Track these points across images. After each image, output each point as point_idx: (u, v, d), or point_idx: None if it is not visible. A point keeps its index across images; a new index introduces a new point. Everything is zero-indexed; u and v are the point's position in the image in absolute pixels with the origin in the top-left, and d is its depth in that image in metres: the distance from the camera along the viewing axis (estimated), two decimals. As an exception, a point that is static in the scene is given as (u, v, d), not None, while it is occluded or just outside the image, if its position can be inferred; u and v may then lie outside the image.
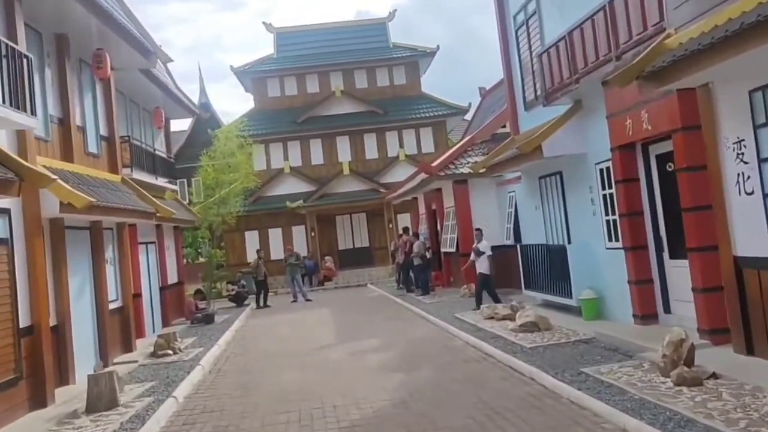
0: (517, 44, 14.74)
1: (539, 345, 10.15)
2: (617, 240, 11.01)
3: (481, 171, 16.32)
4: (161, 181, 19.33)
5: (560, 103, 12.13)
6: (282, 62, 35.14)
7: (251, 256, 32.32)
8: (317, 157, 33.67)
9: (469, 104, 33.83)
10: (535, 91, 13.98)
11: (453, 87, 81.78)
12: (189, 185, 29.79)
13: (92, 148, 13.22)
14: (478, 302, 14.93)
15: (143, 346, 14.37)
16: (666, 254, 9.94)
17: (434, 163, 20.07)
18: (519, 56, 14.76)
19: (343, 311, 19.32)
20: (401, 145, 33.70)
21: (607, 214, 11.33)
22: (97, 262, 12.64)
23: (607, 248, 11.44)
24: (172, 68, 20.68)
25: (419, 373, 9.48)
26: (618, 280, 10.98)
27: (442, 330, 13.49)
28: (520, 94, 15.05)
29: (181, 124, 44.02)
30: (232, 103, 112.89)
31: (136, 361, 12.68)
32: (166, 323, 18.85)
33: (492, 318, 13.41)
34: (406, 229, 22.70)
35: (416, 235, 20.98)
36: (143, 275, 17.02)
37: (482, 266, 15.19)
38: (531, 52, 13.91)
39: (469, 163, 19.75)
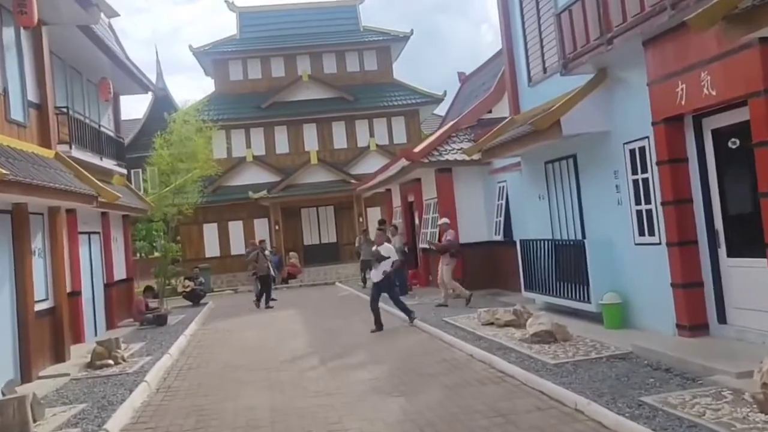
0: (521, 8, 12.86)
1: (565, 361, 8.28)
2: (651, 234, 9.22)
3: (475, 156, 14.40)
4: (108, 163, 17.00)
5: (580, 72, 10.27)
6: (245, 44, 32.85)
7: (210, 251, 30.12)
8: (282, 145, 31.49)
9: (445, 92, 32.02)
10: (543, 62, 12.14)
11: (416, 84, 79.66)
12: (144, 173, 27.40)
13: (16, 115, 10.91)
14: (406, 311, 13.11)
15: (80, 353, 12.08)
16: (722, 251, 8.15)
17: (415, 150, 18.14)
18: (522, 23, 12.89)
19: (313, 313, 17.26)
20: (372, 135, 31.72)
21: (638, 203, 9.51)
22: (20, 254, 10.36)
23: (637, 244, 9.62)
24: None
25: (424, 399, 7.48)
26: (651, 282, 9.21)
27: (434, 338, 11.55)
28: (522, 68, 13.19)
29: (136, 111, 41.18)
30: (191, 94, 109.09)
31: (67, 374, 10.44)
32: (111, 325, 16.56)
33: (492, 324, 11.56)
34: (382, 222, 20.72)
35: (395, 229, 19.04)
36: (84, 270, 14.73)
37: (378, 274, 13.02)
38: (539, 17, 12.06)
39: (453, 150, 17.89)
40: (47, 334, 11.29)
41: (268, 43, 32.57)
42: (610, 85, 10.02)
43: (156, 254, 29.72)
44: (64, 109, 13.67)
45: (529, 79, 12.90)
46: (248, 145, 31.01)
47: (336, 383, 8.73)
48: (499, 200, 16.86)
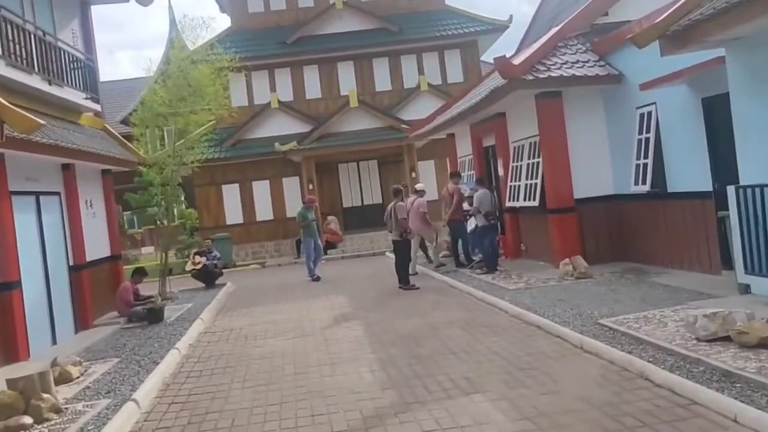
0: None
1: None
2: None
3: (669, 33, 8.38)
4: (70, 94, 11.85)
5: None
6: (267, -32, 27.24)
7: (231, 217, 25.12)
8: (313, 88, 26.14)
9: (510, 17, 26.24)
10: None
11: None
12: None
13: None
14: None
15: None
16: None
17: (514, 62, 12.59)
18: None
19: (370, 301, 12.11)
20: (422, 72, 26.15)
21: None
22: None
23: None
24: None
25: None
26: None
27: (619, 368, 6.25)
28: None
29: (144, 69, 35.61)
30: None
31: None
32: (84, 325, 11.68)
33: (724, 339, 6.23)
34: (455, 174, 15.39)
35: (480, 182, 13.68)
36: (27, 249, 9.73)
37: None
38: None
39: (567, 63, 12.35)
40: None
41: (293, -34, 27.02)
42: None
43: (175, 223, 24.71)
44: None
45: None
46: (273, 89, 25.67)
47: None
48: (642, 133, 11.37)
